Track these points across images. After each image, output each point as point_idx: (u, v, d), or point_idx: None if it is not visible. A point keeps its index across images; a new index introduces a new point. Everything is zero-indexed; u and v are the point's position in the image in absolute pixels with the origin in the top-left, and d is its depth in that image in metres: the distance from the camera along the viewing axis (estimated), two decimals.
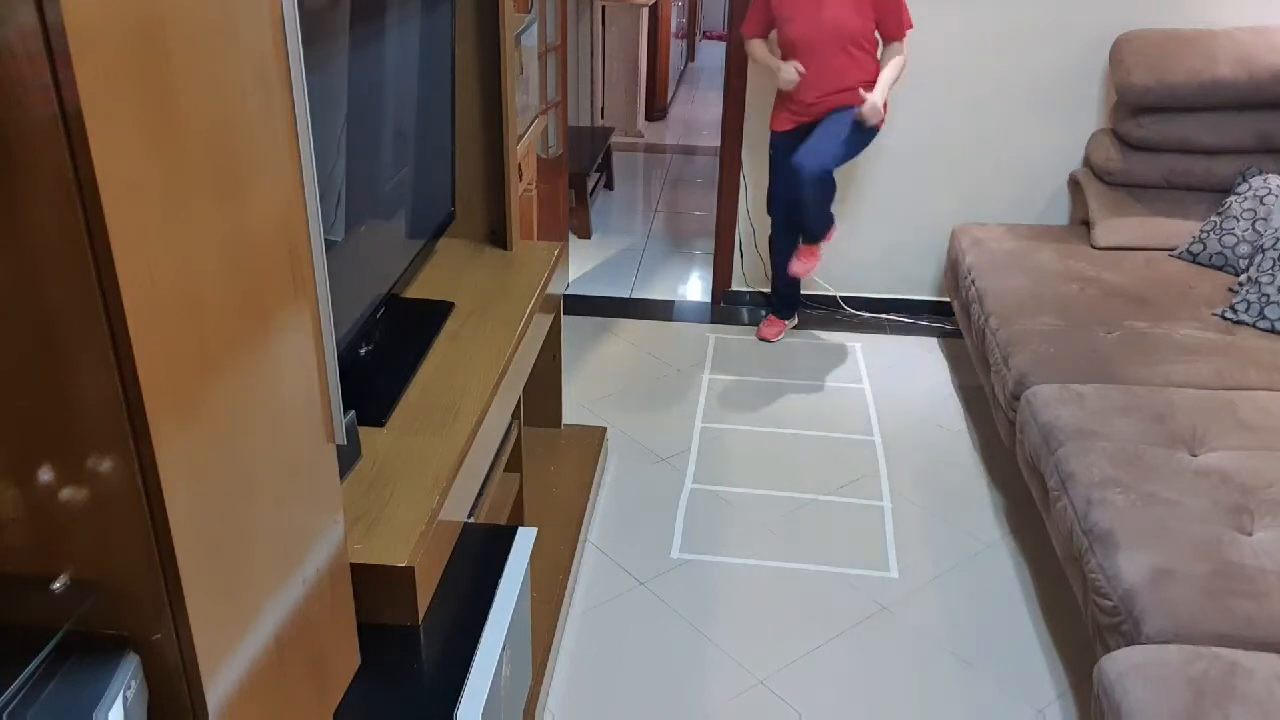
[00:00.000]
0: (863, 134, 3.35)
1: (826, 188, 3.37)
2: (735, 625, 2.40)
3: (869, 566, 2.60)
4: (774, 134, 3.52)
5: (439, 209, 2.19)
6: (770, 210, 3.65)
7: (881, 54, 3.31)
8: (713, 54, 9.07)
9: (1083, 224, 3.60)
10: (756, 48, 3.43)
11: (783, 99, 3.45)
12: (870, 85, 3.29)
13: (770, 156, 3.58)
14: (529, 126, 2.86)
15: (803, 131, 3.40)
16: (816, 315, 3.99)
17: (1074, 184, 3.68)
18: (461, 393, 1.76)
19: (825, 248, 3.58)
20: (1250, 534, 1.99)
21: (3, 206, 0.72)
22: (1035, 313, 2.91)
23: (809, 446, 3.12)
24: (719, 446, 3.11)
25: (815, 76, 3.27)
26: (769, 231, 3.73)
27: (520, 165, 2.59)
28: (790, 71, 3.26)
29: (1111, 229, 3.38)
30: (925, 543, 2.69)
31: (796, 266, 3.58)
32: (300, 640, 1.09)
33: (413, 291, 2.13)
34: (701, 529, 2.74)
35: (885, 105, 3.27)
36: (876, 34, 3.29)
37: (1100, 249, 3.36)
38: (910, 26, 3.26)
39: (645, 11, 6.07)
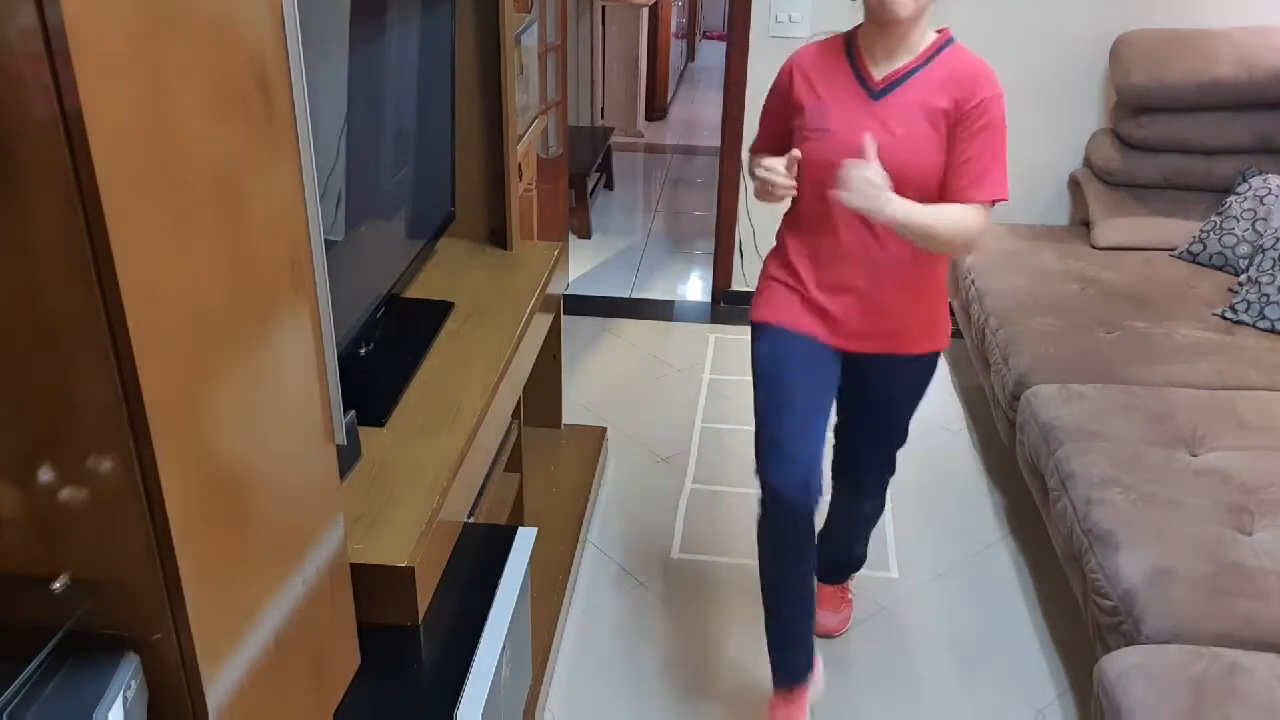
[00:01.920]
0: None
1: (885, 491, 2.23)
2: (735, 625, 2.40)
3: (869, 566, 2.59)
4: (763, 329, 1.95)
5: (439, 209, 2.19)
6: (763, 509, 1.92)
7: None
8: (713, 54, 9.06)
9: (1083, 224, 3.59)
10: (756, 160, 1.87)
11: (785, 267, 1.93)
12: (936, 289, 1.91)
13: (756, 390, 1.93)
14: (529, 126, 2.86)
15: (806, 354, 1.91)
16: None
17: (1074, 184, 3.68)
18: (461, 393, 1.76)
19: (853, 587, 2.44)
20: (1250, 534, 1.99)
21: (3, 207, 0.72)
22: (1035, 313, 2.91)
23: None
24: (719, 446, 3.11)
25: (839, 246, 1.83)
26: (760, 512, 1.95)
27: (520, 165, 2.59)
28: (773, 173, 1.74)
29: (1111, 229, 3.38)
30: (925, 543, 2.69)
31: (831, 620, 2.35)
32: (300, 640, 1.09)
33: (413, 291, 2.13)
34: (701, 529, 2.74)
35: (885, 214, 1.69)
36: None
37: (1100, 249, 3.36)
38: (1002, 196, 1.75)
39: (645, 11, 6.07)
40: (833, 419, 2.04)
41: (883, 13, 1.69)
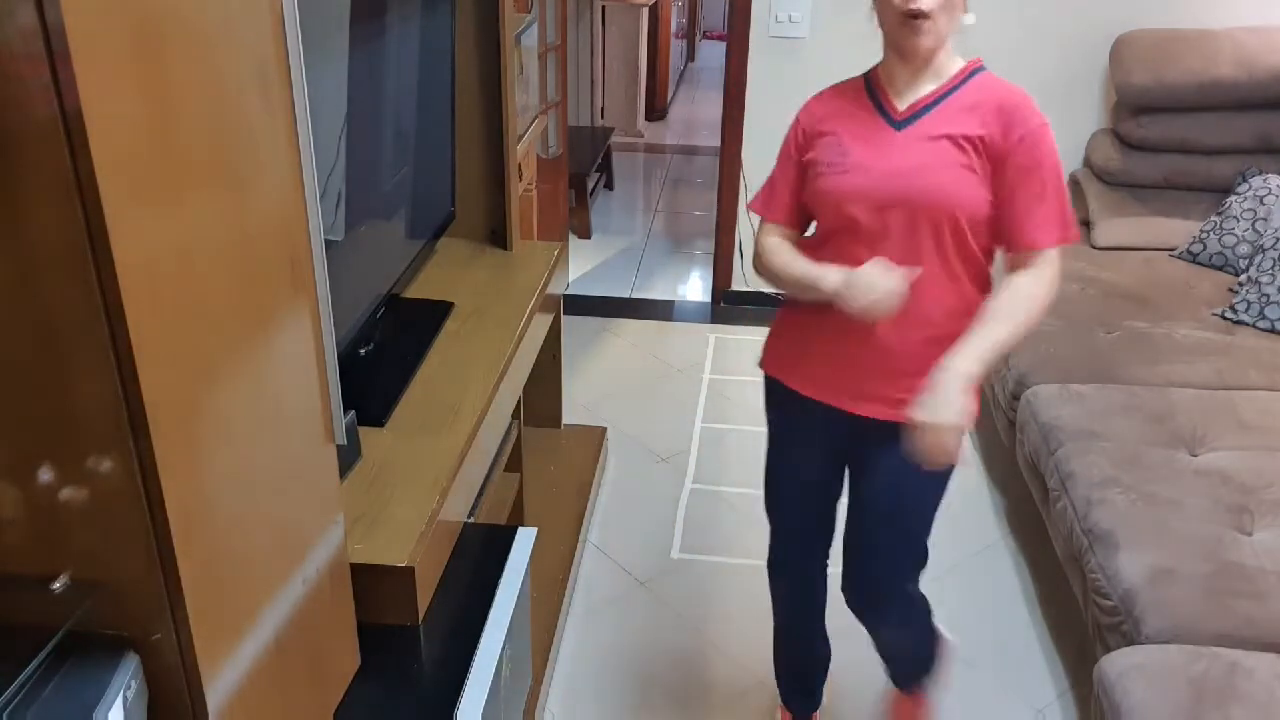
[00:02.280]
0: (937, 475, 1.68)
1: (917, 607, 1.85)
2: (735, 625, 2.40)
3: None
4: (774, 389, 1.81)
5: (439, 209, 2.19)
6: (770, 561, 1.96)
7: (1001, 280, 1.62)
8: (713, 54, 9.06)
9: (1083, 224, 3.59)
10: (774, 250, 1.71)
11: (801, 325, 1.74)
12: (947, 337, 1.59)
13: (768, 448, 1.87)
14: (529, 126, 2.86)
15: (811, 445, 1.80)
16: None
17: (1074, 184, 3.68)
18: (461, 392, 1.76)
19: (934, 694, 2.00)
20: (1250, 534, 1.99)
21: (3, 206, 0.72)
22: None
23: None
24: (719, 446, 3.11)
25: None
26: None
27: (520, 165, 2.59)
28: (859, 278, 1.54)
29: (1111, 229, 3.38)
30: None
31: None
32: (300, 640, 1.09)
33: (413, 291, 2.13)
34: (701, 529, 2.74)
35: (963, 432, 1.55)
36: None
37: (1100, 249, 3.36)
38: (1073, 237, 1.59)
39: (645, 11, 6.07)
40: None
41: (903, 41, 1.56)
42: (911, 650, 1.93)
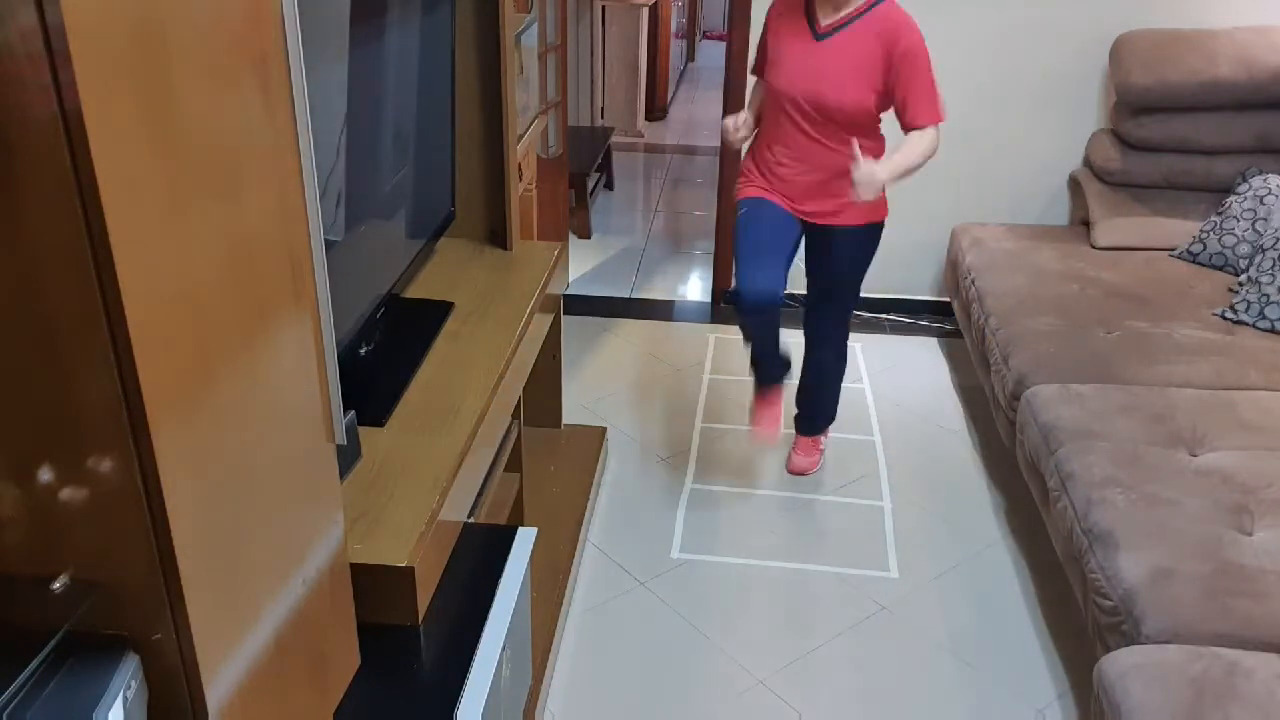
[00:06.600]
0: (863, 255, 2.64)
1: (840, 362, 2.87)
2: (735, 625, 2.40)
3: (869, 566, 2.60)
4: (743, 201, 2.63)
5: (439, 209, 2.19)
6: (737, 309, 2.62)
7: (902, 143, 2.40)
8: (713, 54, 9.06)
9: (1083, 224, 3.60)
10: (752, 91, 2.70)
11: (759, 160, 2.60)
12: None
13: (735, 234, 2.63)
14: (529, 126, 2.86)
15: (775, 212, 2.56)
16: None
17: (1074, 184, 3.68)
18: (461, 393, 1.76)
19: (825, 442, 3.03)
20: (1250, 534, 1.99)
21: (3, 206, 0.72)
22: (1035, 313, 2.91)
23: None
24: (719, 446, 3.11)
25: (791, 148, 2.49)
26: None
27: (520, 165, 2.59)
28: (729, 123, 2.55)
29: (1111, 229, 3.38)
30: (925, 543, 2.69)
31: (802, 462, 2.97)
32: (300, 640, 1.09)
33: (413, 291, 2.13)
34: (701, 529, 2.74)
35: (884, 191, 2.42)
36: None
37: (1100, 249, 3.36)
38: (940, 118, 2.37)
39: (645, 11, 6.07)
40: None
41: None
42: (831, 395, 2.92)
